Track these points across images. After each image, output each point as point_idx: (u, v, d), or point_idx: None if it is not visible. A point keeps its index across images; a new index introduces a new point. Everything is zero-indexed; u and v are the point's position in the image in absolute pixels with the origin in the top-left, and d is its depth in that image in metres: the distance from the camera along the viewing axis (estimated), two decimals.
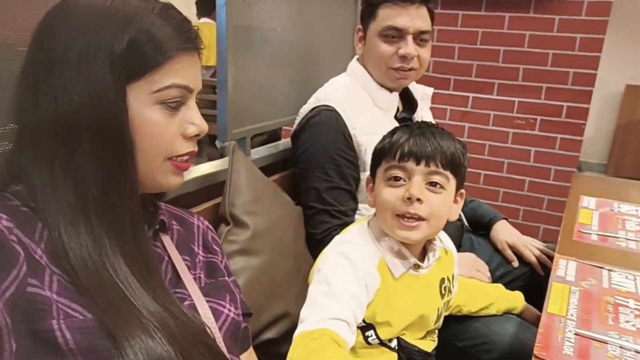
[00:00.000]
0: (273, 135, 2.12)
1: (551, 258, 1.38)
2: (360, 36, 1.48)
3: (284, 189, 1.43)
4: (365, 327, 0.98)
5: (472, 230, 1.66)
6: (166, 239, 0.79)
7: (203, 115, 0.72)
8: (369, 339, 0.98)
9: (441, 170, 0.95)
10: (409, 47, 1.38)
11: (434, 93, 1.67)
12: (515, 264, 1.52)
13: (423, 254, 1.04)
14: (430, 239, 1.04)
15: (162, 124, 0.66)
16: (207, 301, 0.76)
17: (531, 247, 1.51)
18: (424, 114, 1.59)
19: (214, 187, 1.30)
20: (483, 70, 2.70)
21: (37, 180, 0.62)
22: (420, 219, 0.94)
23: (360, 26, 1.48)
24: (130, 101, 0.64)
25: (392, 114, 1.46)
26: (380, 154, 1.00)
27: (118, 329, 0.59)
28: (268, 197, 1.30)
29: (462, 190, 1.03)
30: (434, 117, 1.71)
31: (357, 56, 1.53)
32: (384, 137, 1.01)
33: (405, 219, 0.94)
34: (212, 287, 0.79)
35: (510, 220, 1.62)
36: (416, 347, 1.01)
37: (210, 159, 1.53)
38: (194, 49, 0.69)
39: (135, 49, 0.63)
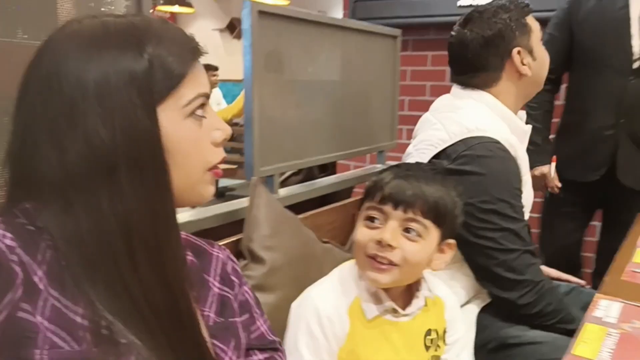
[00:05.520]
0: (309, 175, 2.12)
1: None
2: (525, 54, 1.30)
3: (316, 228, 1.40)
4: None
5: None
6: None
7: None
8: None
9: (420, 218, 0.92)
10: None
11: None
12: None
13: (408, 301, 0.98)
14: (415, 286, 1.00)
15: (196, 137, 0.65)
16: (213, 344, 0.71)
17: None
18: None
19: (238, 223, 1.29)
20: None
21: (60, 229, 0.58)
22: (391, 263, 0.92)
23: (519, 47, 1.29)
24: (163, 122, 0.61)
25: (525, 146, 1.35)
26: (367, 191, 0.99)
27: None
28: (288, 232, 1.27)
29: (451, 241, 0.98)
30: None
31: (481, 91, 1.33)
32: (373, 175, 1.00)
33: (377, 262, 0.92)
34: (220, 328, 0.75)
35: None
36: None
37: None
38: (201, 55, 0.67)
39: (156, 66, 0.60)
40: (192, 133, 0.64)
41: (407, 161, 1.29)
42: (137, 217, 0.59)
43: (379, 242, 0.91)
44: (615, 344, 0.83)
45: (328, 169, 2.54)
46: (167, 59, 0.61)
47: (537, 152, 1.85)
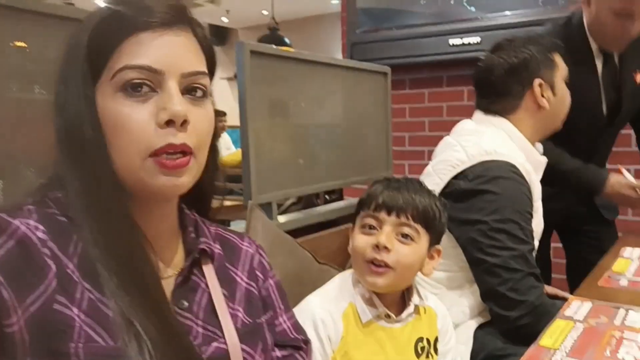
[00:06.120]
0: (308, 204, 2.21)
1: None
2: (545, 87, 1.35)
3: (314, 251, 1.47)
4: None
5: None
6: (208, 268, 0.72)
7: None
8: None
9: (411, 222, 1.00)
10: None
11: None
12: None
13: (401, 309, 1.05)
14: (407, 294, 1.06)
15: (127, 113, 0.59)
16: (242, 349, 0.69)
17: None
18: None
19: None
20: None
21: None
22: (387, 266, 0.99)
23: (540, 79, 1.34)
24: (98, 98, 0.61)
25: (539, 177, 1.41)
26: (360, 203, 1.07)
27: None
28: (284, 253, 1.35)
29: (439, 247, 1.06)
30: None
31: (502, 118, 1.38)
32: (368, 188, 1.09)
33: (374, 265, 1.00)
34: (248, 332, 0.72)
35: None
36: None
37: None
38: (159, 26, 0.61)
39: (93, 43, 0.61)
40: (123, 108, 0.59)
41: (426, 180, 1.35)
42: (75, 191, 0.60)
43: (376, 246, 0.99)
44: (578, 335, 0.89)
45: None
46: (101, 35, 0.61)
47: (589, 172, 1.77)
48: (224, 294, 0.71)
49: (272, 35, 6.16)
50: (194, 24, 0.65)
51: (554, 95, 1.35)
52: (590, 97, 1.73)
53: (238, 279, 0.75)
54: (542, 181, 1.39)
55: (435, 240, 1.05)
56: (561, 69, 1.37)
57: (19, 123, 0.92)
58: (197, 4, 6.38)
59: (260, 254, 0.81)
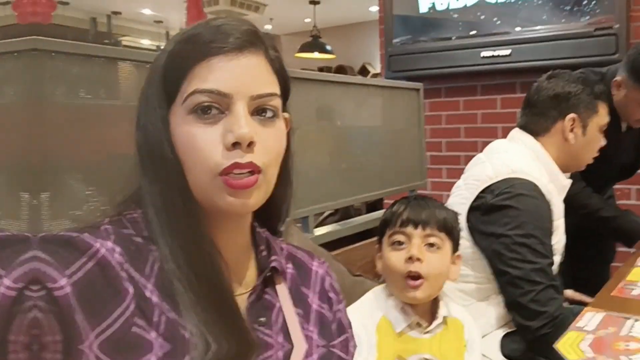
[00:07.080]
0: (345, 215, 2.31)
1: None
2: (577, 124, 1.44)
3: (350, 263, 1.57)
4: None
5: None
6: (281, 287, 0.72)
7: None
8: None
9: (436, 232, 1.11)
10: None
11: None
12: None
13: (431, 320, 1.13)
14: (435, 305, 1.14)
15: (197, 134, 0.60)
16: None
17: None
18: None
19: None
20: None
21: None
22: (421, 277, 1.08)
23: (575, 115, 1.43)
24: (172, 119, 0.63)
25: (562, 197, 1.51)
26: (384, 223, 1.17)
27: None
28: None
29: (459, 253, 1.16)
30: None
31: (533, 139, 1.47)
32: (387, 209, 1.20)
33: (410, 279, 1.08)
34: (321, 357, 0.71)
35: None
36: None
37: None
38: (230, 51, 0.62)
39: (169, 67, 0.63)
40: (193, 129, 0.61)
41: (457, 193, 1.50)
42: (154, 211, 0.61)
43: (410, 259, 1.08)
44: (587, 346, 0.97)
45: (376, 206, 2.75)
46: (175, 61, 0.63)
47: (629, 220, 1.88)
48: (299, 314, 0.71)
49: (314, 42, 6.29)
50: (267, 46, 0.66)
51: (583, 135, 1.43)
52: (609, 151, 1.73)
53: (309, 300, 0.75)
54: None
55: (455, 247, 1.16)
56: (600, 117, 1.45)
57: (63, 133, 0.96)
58: (242, 14, 6.59)
59: (330, 275, 0.80)
